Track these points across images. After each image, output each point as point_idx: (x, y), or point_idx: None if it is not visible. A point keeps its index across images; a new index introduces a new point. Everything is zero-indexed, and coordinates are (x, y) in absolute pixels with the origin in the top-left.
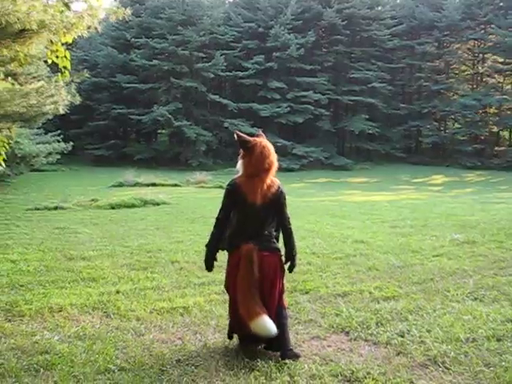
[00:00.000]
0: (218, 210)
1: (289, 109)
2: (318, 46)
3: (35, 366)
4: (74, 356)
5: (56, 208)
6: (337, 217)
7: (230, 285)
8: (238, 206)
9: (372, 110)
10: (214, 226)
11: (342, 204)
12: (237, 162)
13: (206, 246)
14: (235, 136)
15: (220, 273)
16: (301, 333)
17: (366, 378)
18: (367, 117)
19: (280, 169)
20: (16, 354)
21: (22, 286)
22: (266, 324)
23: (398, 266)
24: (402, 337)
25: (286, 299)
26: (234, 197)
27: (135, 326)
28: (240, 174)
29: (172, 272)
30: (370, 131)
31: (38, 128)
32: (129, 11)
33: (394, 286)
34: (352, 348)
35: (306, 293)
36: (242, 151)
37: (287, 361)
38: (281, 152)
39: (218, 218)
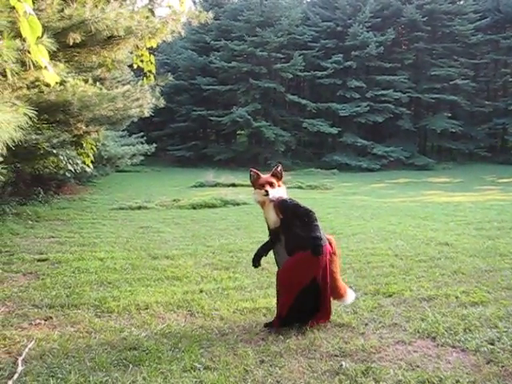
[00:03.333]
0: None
1: (368, 108)
2: (398, 44)
3: (124, 361)
4: (161, 353)
5: (139, 208)
6: (419, 218)
7: (330, 274)
8: None
9: (454, 108)
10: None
11: (424, 205)
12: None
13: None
14: (279, 169)
15: None
16: (385, 337)
17: None
18: (449, 115)
19: (360, 169)
20: (106, 349)
21: (109, 283)
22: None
23: (486, 269)
24: (492, 344)
25: None
26: None
27: (219, 325)
28: (284, 196)
29: (254, 272)
30: (453, 130)
31: (123, 130)
32: (211, 14)
33: (481, 291)
34: (439, 354)
35: (390, 296)
36: (276, 182)
37: (373, 365)
38: (360, 152)
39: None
